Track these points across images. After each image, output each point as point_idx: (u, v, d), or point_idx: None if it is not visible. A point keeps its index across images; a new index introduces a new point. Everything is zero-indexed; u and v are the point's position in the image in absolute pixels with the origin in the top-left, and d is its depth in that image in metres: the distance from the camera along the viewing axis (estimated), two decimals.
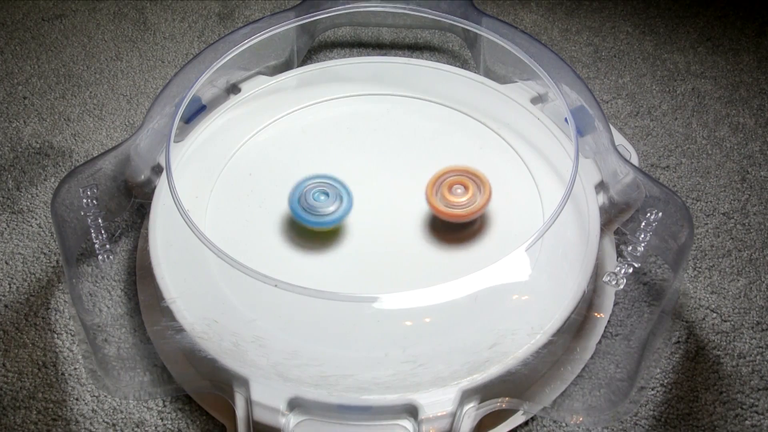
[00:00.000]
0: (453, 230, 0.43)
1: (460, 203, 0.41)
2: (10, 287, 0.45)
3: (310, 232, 0.43)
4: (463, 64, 0.63)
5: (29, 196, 0.51)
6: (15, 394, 0.40)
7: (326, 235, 0.43)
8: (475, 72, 0.54)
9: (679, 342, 0.42)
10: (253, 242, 0.43)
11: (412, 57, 0.64)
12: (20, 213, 0.50)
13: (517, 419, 0.38)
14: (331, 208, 0.41)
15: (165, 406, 0.39)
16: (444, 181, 0.42)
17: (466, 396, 0.35)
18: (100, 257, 0.41)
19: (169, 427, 0.39)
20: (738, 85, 0.61)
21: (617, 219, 0.43)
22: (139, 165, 0.46)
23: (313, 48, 0.65)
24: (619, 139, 0.48)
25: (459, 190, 0.41)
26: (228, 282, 0.40)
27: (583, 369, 0.40)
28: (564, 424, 0.39)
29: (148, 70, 0.63)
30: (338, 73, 0.54)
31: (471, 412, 0.35)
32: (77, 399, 0.40)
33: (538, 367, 0.38)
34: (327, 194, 0.41)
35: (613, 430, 0.38)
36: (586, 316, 0.41)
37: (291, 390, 0.35)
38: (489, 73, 0.56)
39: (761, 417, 0.39)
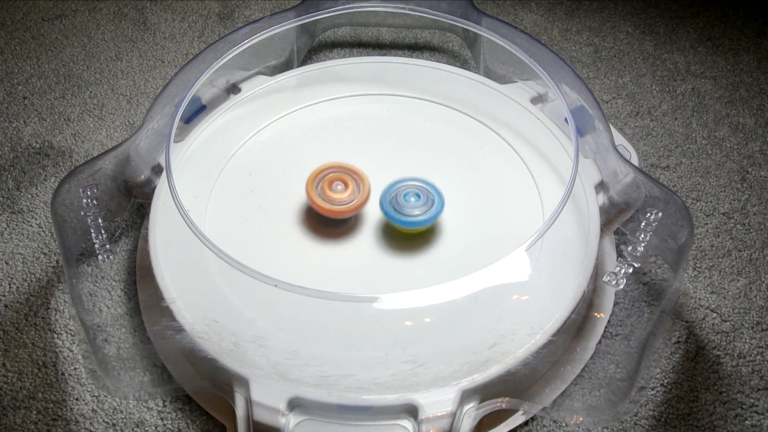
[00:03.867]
0: (454, 230, 0.43)
1: (339, 199, 0.42)
2: (10, 287, 0.45)
3: (311, 232, 0.43)
4: (463, 64, 0.63)
5: (29, 196, 0.51)
6: (15, 394, 0.40)
7: (332, 234, 0.43)
8: (475, 72, 0.54)
9: (679, 342, 0.42)
10: (253, 242, 0.43)
11: (412, 57, 0.64)
12: (20, 213, 0.50)
13: (517, 419, 0.38)
14: (421, 210, 0.41)
15: (165, 406, 0.39)
16: (324, 177, 0.42)
17: (466, 396, 0.35)
18: (100, 257, 0.41)
19: (169, 427, 0.39)
20: (738, 85, 0.61)
21: (617, 219, 0.43)
22: (139, 165, 0.46)
23: (313, 48, 0.65)
24: (619, 139, 0.48)
25: (339, 187, 0.42)
26: (228, 282, 0.40)
27: (583, 369, 0.40)
28: (564, 424, 0.39)
29: (148, 70, 0.63)
30: (338, 73, 0.54)
31: (471, 412, 0.35)
32: (77, 399, 0.40)
33: (538, 367, 0.38)
34: (418, 196, 0.41)
35: (613, 430, 0.38)
36: (586, 316, 0.41)
37: (291, 390, 0.35)
38: (489, 73, 0.56)
39: (761, 417, 0.39)
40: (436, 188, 0.42)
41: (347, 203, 0.42)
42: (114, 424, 0.39)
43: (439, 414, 0.34)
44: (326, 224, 0.43)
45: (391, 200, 0.41)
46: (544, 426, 0.39)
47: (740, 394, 0.40)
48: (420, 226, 0.41)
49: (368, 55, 0.64)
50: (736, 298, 0.45)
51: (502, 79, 0.54)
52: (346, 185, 0.42)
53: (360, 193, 0.42)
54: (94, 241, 0.41)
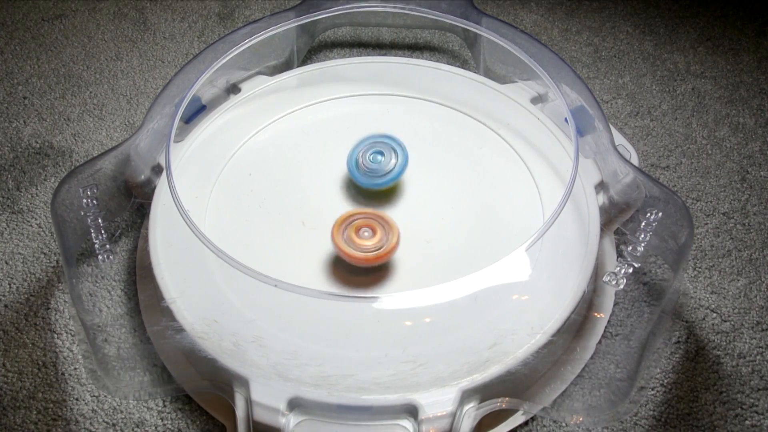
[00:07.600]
0: (454, 230, 0.43)
1: (366, 246, 0.39)
2: (10, 287, 0.45)
3: (310, 231, 0.43)
4: (463, 64, 0.63)
5: (29, 196, 0.51)
6: (15, 394, 0.40)
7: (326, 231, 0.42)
8: (475, 72, 0.54)
9: (679, 342, 0.42)
10: (253, 242, 0.43)
11: (412, 57, 0.64)
12: (20, 213, 0.50)
13: (517, 419, 0.38)
14: (389, 167, 0.44)
15: (165, 406, 0.39)
16: (351, 223, 0.40)
17: (466, 396, 0.35)
18: (100, 257, 0.41)
19: (169, 427, 0.39)
20: (738, 85, 0.61)
21: (617, 219, 0.43)
22: (139, 165, 0.46)
23: (313, 48, 0.65)
24: (619, 139, 0.48)
25: (366, 233, 0.40)
26: (228, 282, 0.40)
27: (583, 369, 0.40)
28: (564, 424, 0.39)
29: (148, 70, 0.63)
30: (338, 73, 0.54)
31: (471, 412, 0.35)
32: (77, 399, 0.40)
33: (538, 367, 0.38)
34: (382, 154, 0.44)
35: (613, 430, 0.38)
36: (586, 316, 0.41)
37: (291, 390, 0.35)
38: (489, 73, 0.56)
39: (761, 417, 0.39)
40: (396, 140, 0.44)
41: (375, 250, 0.39)
42: (114, 424, 0.39)
43: (439, 414, 0.34)
44: (326, 225, 0.43)
45: (358, 165, 0.43)
46: (544, 426, 0.39)
47: (740, 394, 0.40)
48: (388, 183, 0.43)
49: (368, 55, 0.64)
50: (736, 298, 0.45)
51: (502, 79, 0.54)
52: (374, 231, 0.40)
53: (388, 240, 0.40)
54: (94, 241, 0.41)
